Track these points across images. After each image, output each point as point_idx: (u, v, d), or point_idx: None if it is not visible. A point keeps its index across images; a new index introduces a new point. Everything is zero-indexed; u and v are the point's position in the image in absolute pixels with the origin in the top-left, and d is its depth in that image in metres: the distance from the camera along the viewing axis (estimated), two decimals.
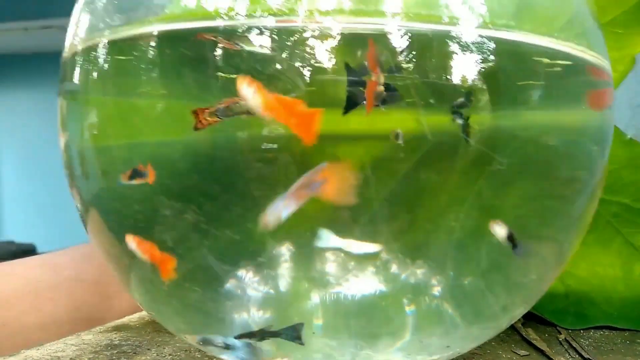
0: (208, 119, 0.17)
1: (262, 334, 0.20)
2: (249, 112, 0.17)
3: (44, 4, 2.47)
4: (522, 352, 0.26)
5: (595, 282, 0.32)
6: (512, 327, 0.30)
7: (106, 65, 0.20)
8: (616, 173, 0.31)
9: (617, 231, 0.31)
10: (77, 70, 0.21)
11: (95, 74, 0.21)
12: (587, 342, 0.28)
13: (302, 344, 0.19)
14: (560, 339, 0.28)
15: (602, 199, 0.31)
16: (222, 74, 0.18)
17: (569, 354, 0.26)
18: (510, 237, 0.19)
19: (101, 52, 0.21)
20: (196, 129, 0.17)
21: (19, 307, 0.34)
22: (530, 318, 0.31)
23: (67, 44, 0.22)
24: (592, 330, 0.30)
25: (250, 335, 0.20)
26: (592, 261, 0.32)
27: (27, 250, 2.59)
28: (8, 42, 2.84)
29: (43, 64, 2.93)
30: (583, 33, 0.20)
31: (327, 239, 0.19)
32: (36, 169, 2.94)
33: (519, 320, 0.30)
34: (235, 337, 0.20)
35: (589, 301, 0.32)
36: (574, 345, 0.27)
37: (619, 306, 0.31)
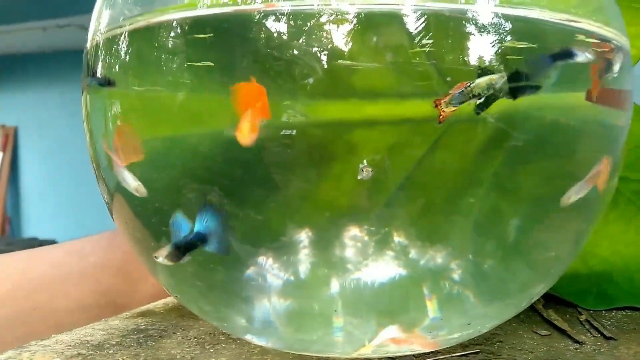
0: (445, 110, 0.17)
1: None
2: (479, 95, 0.17)
3: (61, 3, 2.49)
4: (543, 332, 0.26)
5: (617, 262, 0.32)
6: (533, 309, 0.30)
7: (128, 57, 0.21)
8: (636, 151, 0.31)
9: (638, 209, 0.31)
10: (100, 65, 0.22)
11: (117, 67, 0.21)
12: (609, 322, 0.28)
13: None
14: (582, 320, 0.28)
15: (622, 177, 0.31)
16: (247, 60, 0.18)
17: (591, 334, 0.26)
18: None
19: (123, 44, 0.21)
20: (439, 122, 0.17)
21: (49, 292, 0.35)
22: (550, 299, 0.31)
23: (89, 38, 0.23)
24: (614, 311, 0.30)
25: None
26: (613, 240, 0.32)
27: None
28: (27, 41, 2.88)
29: (61, 62, 2.97)
30: (600, 9, 0.20)
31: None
32: (57, 166, 2.99)
33: (539, 301, 0.30)
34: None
35: (610, 281, 0.32)
36: (596, 325, 0.27)
37: None
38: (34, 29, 2.72)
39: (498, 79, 0.16)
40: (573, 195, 0.20)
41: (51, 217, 3.00)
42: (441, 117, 0.17)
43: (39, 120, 3.06)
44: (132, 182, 0.21)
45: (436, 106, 0.17)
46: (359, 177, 0.18)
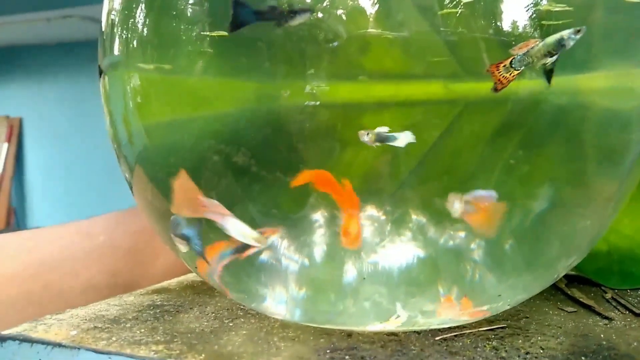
0: (506, 75, 0.15)
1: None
2: (551, 53, 0.15)
3: None
4: (569, 309, 0.25)
5: (638, 238, 0.31)
6: (556, 287, 0.29)
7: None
8: None
9: None
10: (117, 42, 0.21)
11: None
12: (635, 300, 0.27)
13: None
14: (607, 297, 0.27)
15: None
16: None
17: (619, 310, 0.25)
18: None
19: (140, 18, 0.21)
20: (496, 90, 0.15)
21: (59, 271, 0.34)
22: (572, 280, 0.30)
23: (103, 19, 0.22)
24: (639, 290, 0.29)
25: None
26: (635, 216, 0.31)
27: None
28: (31, 32, 2.87)
29: (66, 53, 2.96)
30: None
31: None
32: (62, 157, 2.98)
33: (561, 280, 0.30)
34: None
35: (633, 258, 0.31)
36: (623, 303, 0.26)
37: None
38: (37, 20, 2.71)
39: (570, 34, 0.15)
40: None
41: (56, 208, 3.00)
42: (499, 84, 0.15)
43: (43, 111, 3.05)
44: (250, 232, 0.19)
45: (492, 73, 0.15)
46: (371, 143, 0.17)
